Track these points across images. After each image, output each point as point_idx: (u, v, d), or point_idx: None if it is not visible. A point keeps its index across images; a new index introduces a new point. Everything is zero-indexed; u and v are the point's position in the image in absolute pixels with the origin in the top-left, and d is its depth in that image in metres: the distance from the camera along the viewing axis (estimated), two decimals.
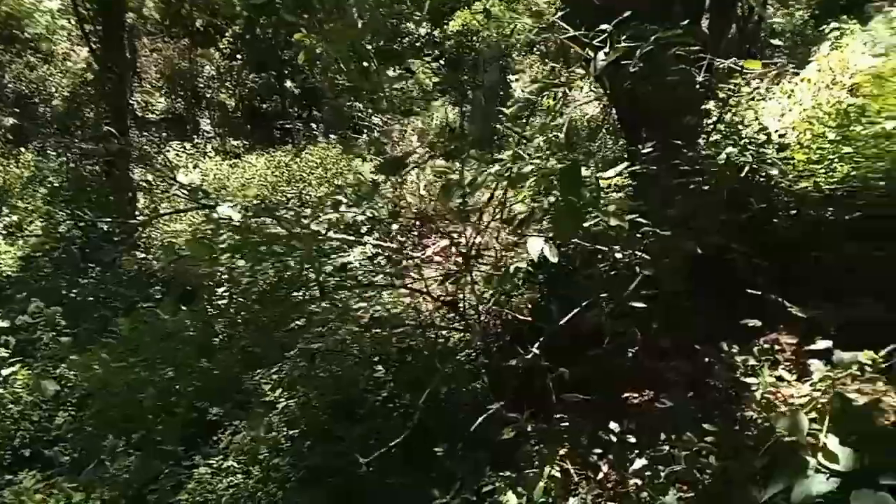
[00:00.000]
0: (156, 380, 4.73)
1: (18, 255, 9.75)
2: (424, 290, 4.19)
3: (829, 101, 6.53)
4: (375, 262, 8.45)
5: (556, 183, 2.26)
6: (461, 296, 3.66)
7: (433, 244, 7.61)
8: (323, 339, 4.28)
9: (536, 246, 2.43)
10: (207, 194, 8.35)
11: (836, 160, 4.45)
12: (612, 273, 3.09)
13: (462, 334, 4.07)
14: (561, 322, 2.94)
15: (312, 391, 4.13)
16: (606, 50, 2.45)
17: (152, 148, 14.92)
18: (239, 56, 19.22)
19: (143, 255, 8.91)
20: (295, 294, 7.16)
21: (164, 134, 15.86)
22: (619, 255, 2.74)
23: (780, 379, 2.86)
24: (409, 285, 4.89)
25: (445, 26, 19.82)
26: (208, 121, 17.31)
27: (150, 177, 12.75)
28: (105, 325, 6.48)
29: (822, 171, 4.29)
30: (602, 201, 2.38)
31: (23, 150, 12.79)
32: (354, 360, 4.23)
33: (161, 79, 17.74)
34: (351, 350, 4.22)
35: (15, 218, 10.97)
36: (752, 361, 2.99)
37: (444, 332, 4.17)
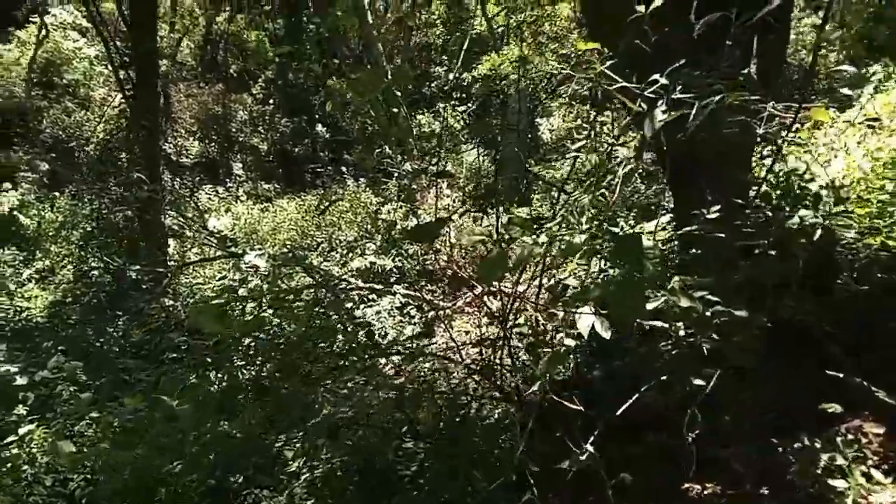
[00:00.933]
0: (171, 447, 4.51)
1: (48, 300, 9.75)
2: (455, 353, 3.93)
3: (880, 147, 6.21)
4: (405, 311, 8.25)
5: (610, 253, 2.02)
6: (497, 362, 3.39)
7: (463, 296, 7.37)
8: (349, 401, 4.02)
9: (587, 322, 2.17)
10: (235, 242, 8.24)
11: None
12: (674, 350, 2.80)
13: (500, 406, 3.78)
14: (619, 409, 2.63)
15: (337, 461, 3.85)
16: (664, 106, 2.22)
17: (184, 192, 15.05)
18: (271, 101, 19.53)
19: (171, 303, 8.81)
20: (322, 346, 6.93)
21: (197, 178, 16.01)
22: (682, 333, 2.47)
23: (869, 478, 2.51)
24: (437, 351, 4.63)
25: (474, 70, 19.94)
26: (240, 164, 17.47)
27: (181, 222, 12.82)
28: (127, 379, 6.33)
29: (886, 226, 3.97)
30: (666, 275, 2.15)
31: (57, 194, 12.96)
32: (382, 427, 3.95)
33: (195, 124, 18.02)
34: (378, 417, 3.95)
35: (47, 262, 11.04)
36: (837, 459, 2.64)
37: (479, 402, 3.89)
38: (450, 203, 9.86)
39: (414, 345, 5.54)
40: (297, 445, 4.39)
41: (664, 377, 2.58)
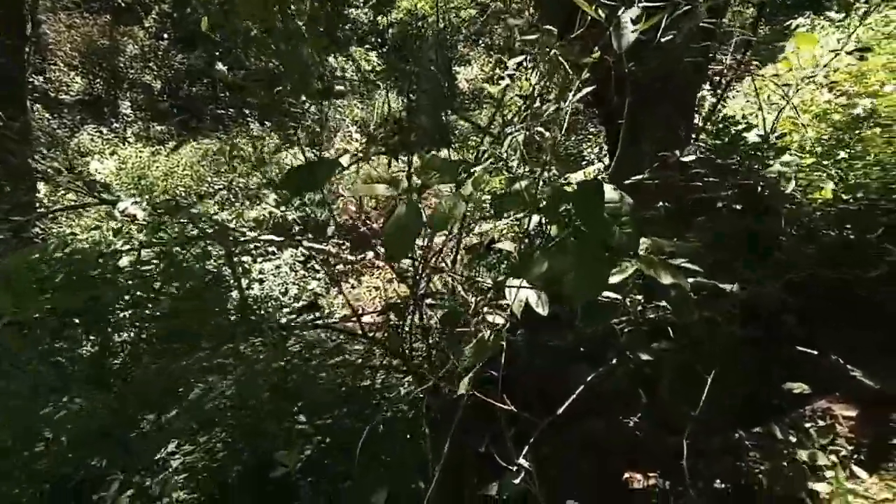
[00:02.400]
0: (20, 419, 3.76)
1: None
2: (355, 321, 3.35)
3: (812, 99, 6.01)
4: (308, 266, 7.59)
5: (575, 208, 1.48)
6: (404, 332, 2.85)
7: (372, 249, 6.79)
8: (232, 374, 3.39)
9: (521, 296, 1.67)
10: (108, 187, 7.26)
11: (845, 166, 3.84)
12: (628, 329, 2.34)
13: (407, 381, 3.25)
14: (557, 405, 2.15)
15: (217, 445, 3.25)
16: (634, 13, 1.67)
17: (63, 131, 13.54)
18: (166, 36, 17.82)
19: (37, 254, 7.74)
20: (213, 307, 6.19)
21: (78, 117, 14.41)
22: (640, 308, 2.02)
23: (849, 475, 2.17)
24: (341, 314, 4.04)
25: (389, 13, 18.97)
26: (129, 104, 15.88)
27: (57, 164, 11.47)
28: None
29: (833, 180, 3.67)
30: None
31: None
32: (270, 403, 3.36)
33: (77, 57, 16.20)
34: (266, 391, 3.35)
35: None
36: (818, 457, 2.28)
37: (383, 376, 3.35)
38: (357, 148, 9.15)
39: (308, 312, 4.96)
40: (175, 422, 3.76)
41: (613, 359, 2.15)
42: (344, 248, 6.87)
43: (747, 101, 7.30)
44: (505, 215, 1.80)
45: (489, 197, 1.69)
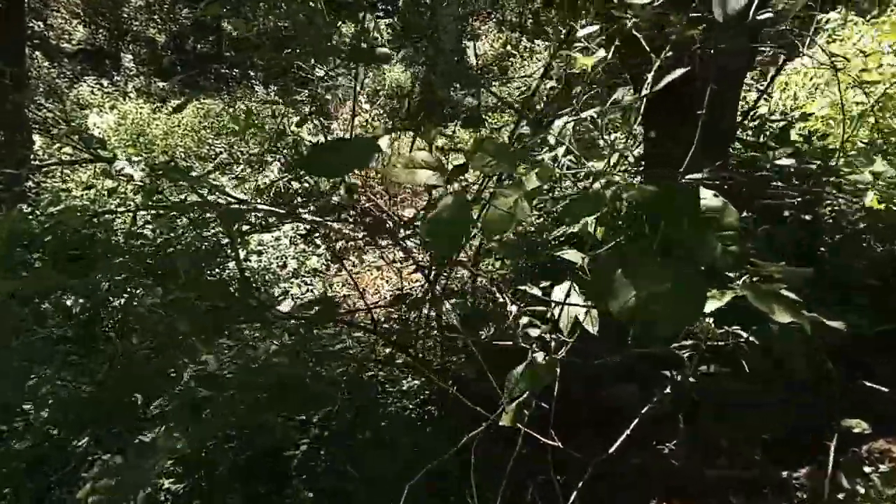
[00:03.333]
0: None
1: None
2: (359, 305, 3.10)
3: (845, 99, 5.75)
4: (308, 240, 7.33)
5: (665, 219, 1.23)
6: (417, 329, 2.62)
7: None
8: (229, 360, 3.17)
9: (572, 312, 1.44)
10: (104, 143, 6.94)
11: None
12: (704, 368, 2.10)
13: (415, 380, 3.02)
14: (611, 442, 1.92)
15: (209, 435, 3.04)
16: None
17: (63, 81, 13.15)
18: None
19: (30, 209, 7.47)
20: (210, 276, 6.00)
21: (78, 67, 14.00)
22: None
23: None
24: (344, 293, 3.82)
25: None
26: (132, 57, 15.44)
27: (54, 115, 11.12)
28: None
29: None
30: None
31: None
32: (267, 393, 3.15)
33: (80, 5, 15.72)
34: (262, 380, 3.12)
35: None
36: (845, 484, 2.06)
37: (389, 372, 3.12)
38: (370, 120, 8.85)
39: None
40: (168, 405, 3.54)
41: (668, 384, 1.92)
42: (348, 225, 6.61)
43: (786, 96, 7.02)
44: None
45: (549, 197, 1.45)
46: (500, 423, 1.56)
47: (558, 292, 1.53)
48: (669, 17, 1.64)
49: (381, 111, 11.64)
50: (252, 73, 15.20)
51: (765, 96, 4.27)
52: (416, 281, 5.48)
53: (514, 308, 1.56)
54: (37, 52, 12.89)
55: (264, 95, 13.79)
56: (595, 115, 1.79)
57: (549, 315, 1.63)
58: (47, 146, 9.28)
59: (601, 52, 1.60)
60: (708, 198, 1.17)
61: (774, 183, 2.52)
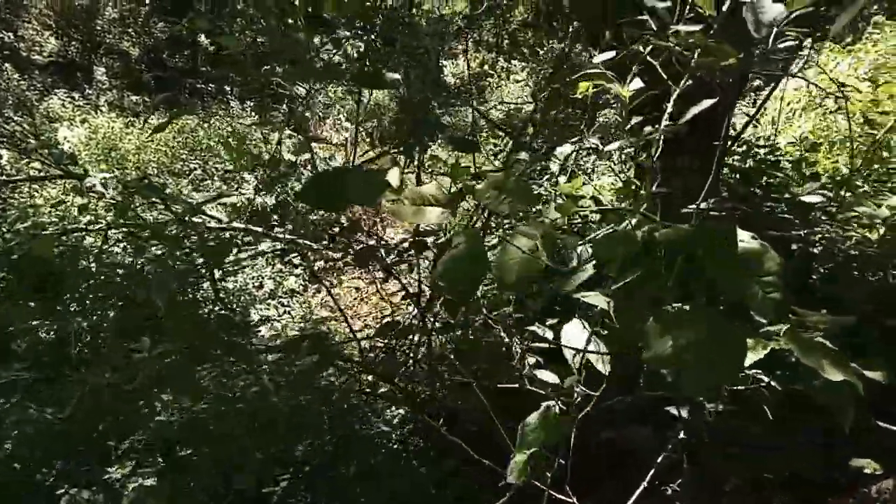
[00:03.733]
0: None
1: None
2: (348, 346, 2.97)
3: (827, 124, 5.80)
4: (286, 259, 7.17)
5: (708, 262, 1.13)
6: (406, 359, 2.50)
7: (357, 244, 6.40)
8: (206, 391, 3.00)
9: (578, 341, 1.33)
10: (75, 159, 6.72)
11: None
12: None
13: (399, 409, 2.88)
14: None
15: (183, 470, 2.86)
16: None
17: (33, 94, 12.85)
18: (148, 0, 17.10)
19: None
20: (182, 298, 5.80)
21: (49, 80, 13.70)
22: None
23: None
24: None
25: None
26: (104, 70, 15.16)
27: (24, 129, 10.84)
28: None
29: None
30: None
31: None
32: (248, 424, 2.99)
33: (52, 16, 15.43)
34: (239, 414, 2.96)
35: None
36: None
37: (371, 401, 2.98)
38: (348, 138, 8.71)
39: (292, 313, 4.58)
40: (139, 438, 3.36)
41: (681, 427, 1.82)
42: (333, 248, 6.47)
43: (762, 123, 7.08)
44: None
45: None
46: (509, 480, 1.45)
47: (569, 332, 1.44)
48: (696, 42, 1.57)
49: (361, 131, 11.55)
50: (228, 89, 15.02)
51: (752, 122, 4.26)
52: (401, 305, 5.36)
53: (518, 346, 1.46)
54: (6, 64, 12.58)
55: (240, 111, 13.62)
56: (602, 145, 1.72)
57: (547, 346, 1.54)
58: (15, 160, 9.01)
59: (637, 82, 1.52)
60: (746, 240, 1.09)
61: (784, 215, 2.48)
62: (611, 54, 1.62)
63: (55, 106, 12.49)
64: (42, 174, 7.21)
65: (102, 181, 4.56)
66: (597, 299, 1.26)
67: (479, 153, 3.24)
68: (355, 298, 6.26)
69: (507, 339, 1.63)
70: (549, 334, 1.42)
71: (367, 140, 12.34)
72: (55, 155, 5.88)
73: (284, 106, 13.32)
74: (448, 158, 9.24)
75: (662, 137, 1.72)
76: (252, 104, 13.30)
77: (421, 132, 2.69)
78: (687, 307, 1.06)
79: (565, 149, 1.71)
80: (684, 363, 1.00)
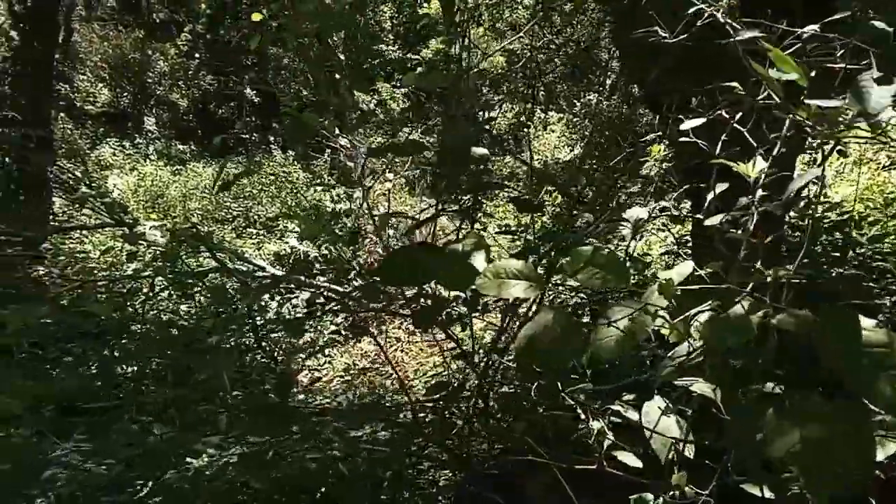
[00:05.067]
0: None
1: None
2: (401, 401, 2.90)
3: (883, 178, 5.66)
4: (326, 308, 7.18)
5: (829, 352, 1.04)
6: (458, 421, 2.41)
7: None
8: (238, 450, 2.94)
9: (666, 427, 1.24)
10: (126, 209, 6.91)
11: None
12: None
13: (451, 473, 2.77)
14: None
15: None
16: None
17: (85, 142, 13.33)
18: (197, 56, 17.79)
19: (45, 271, 7.38)
20: (225, 343, 5.79)
21: (101, 129, 14.22)
22: None
23: None
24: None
25: (420, 52, 18.94)
26: (154, 120, 15.72)
27: (76, 176, 11.20)
28: None
29: None
30: None
31: None
32: (280, 491, 2.91)
33: (106, 69, 16.12)
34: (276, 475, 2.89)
35: None
36: None
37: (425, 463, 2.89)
38: (391, 188, 8.81)
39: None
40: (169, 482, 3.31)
41: None
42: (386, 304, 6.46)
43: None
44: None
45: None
46: None
47: (651, 412, 1.34)
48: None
49: (401, 180, 11.68)
50: (271, 138, 15.40)
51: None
52: (445, 353, 5.29)
53: (595, 423, 1.39)
54: (61, 114, 13.11)
55: (283, 159, 13.90)
56: (673, 209, 1.67)
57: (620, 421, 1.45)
58: (67, 206, 9.28)
59: (761, 162, 1.45)
60: (869, 329, 1.02)
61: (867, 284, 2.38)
62: (700, 121, 1.57)
63: (106, 154, 12.93)
64: (94, 222, 7.40)
65: (153, 229, 4.64)
66: (701, 387, 1.18)
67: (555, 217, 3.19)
68: (395, 349, 6.21)
69: (581, 414, 1.55)
70: (634, 415, 1.33)
71: (407, 188, 12.45)
72: (107, 204, 6.02)
73: (326, 155, 13.60)
74: (495, 211, 9.24)
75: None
76: (294, 153, 13.59)
77: (472, 186, 2.65)
78: (806, 399, 0.98)
79: (637, 212, 1.66)
80: (807, 462, 0.92)
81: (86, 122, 14.20)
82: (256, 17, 3.73)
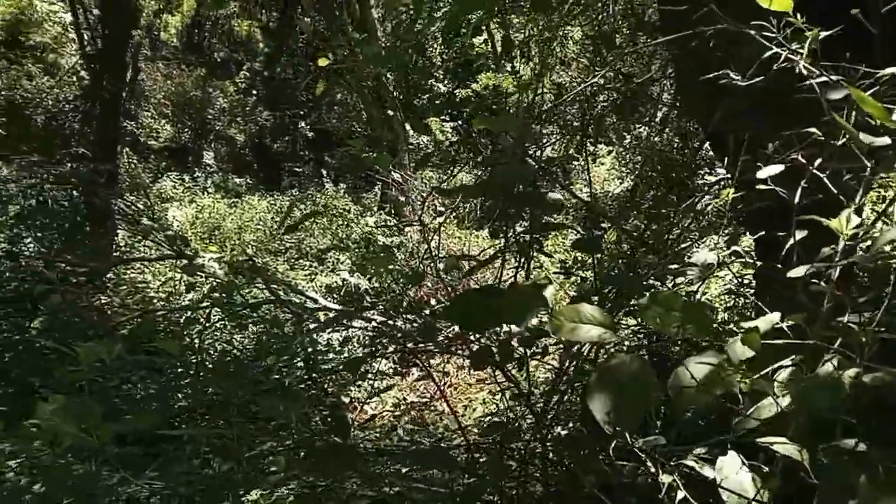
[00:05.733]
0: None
1: None
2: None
3: None
4: (377, 342, 7.21)
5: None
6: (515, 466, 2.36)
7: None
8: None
9: (742, 485, 1.16)
10: (187, 241, 7.07)
11: None
12: None
13: None
14: None
15: None
16: None
17: (146, 176, 13.85)
18: (254, 92, 18.40)
19: (107, 300, 7.64)
20: (278, 375, 5.85)
21: (163, 164, 14.78)
22: None
23: None
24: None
25: (470, 86, 19.11)
26: (213, 154, 16.26)
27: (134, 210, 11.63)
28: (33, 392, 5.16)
29: None
30: None
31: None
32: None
33: (169, 106, 16.82)
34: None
35: None
36: None
37: None
38: (443, 221, 8.85)
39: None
40: None
41: None
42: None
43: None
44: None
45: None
46: None
47: (728, 468, 1.28)
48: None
49: (452, 213, 11.77)
50: (323, 172, 15.73)
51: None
52: (495, 390, 5.23)
53: (665, 476, 1.33)
54: (127, 149, 13.69)
55: (334, 192, 14.16)
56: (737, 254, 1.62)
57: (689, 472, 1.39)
58: (130, 238, 9.61)
59: (855, 217, 1.40)
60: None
61: None
62: (779, 168, 1.54)
63: (167, 187, 13.41)
64: (155, 253, 7.64)
65: (211, 261, 4.76)
66: (786, 448, 1.12)
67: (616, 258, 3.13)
68: (445, 384, 6.17)
69: (651, 468, 1.49)
70: (709, 472, 1.26)
71: (456, 220, 12.50)
72: (168, 237, 6.20)
73: (377, 188, 13.80)
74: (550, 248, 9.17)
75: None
76: (346, 185, 13.84)
77: (535, 227, 2.62)
78: None
79: (705, 255, 1.61)
80: None
81: (149, 157, 14.78)
82: (323, 62, 3.85)
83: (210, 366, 5.51)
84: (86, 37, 9.84)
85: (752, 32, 1.66)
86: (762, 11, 1.53)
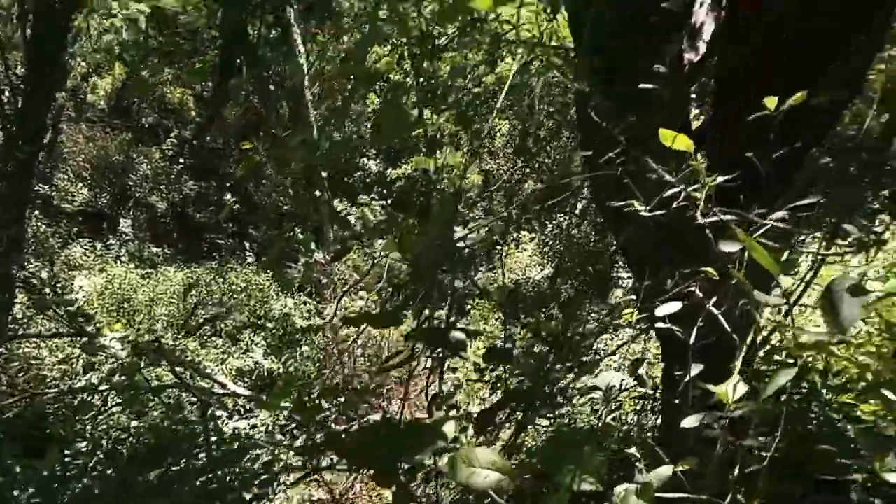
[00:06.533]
0: None
1: None
2: None
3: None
4: (286, 429, 6.92)
5: None
6: None
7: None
8: None
9: None
10: (89, 318, 6.74)
11: None
12: None
13: None
14: None
15: None
16: None
17: (57, 241, 13.21)
18: (181, 161, 18.10)
19: None
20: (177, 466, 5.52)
21: (74, 229, 14.15)
22: None
23: None
24: None
25: (399, 167, 19.47)
26: (130, 222, 15.72)
27: (43, 275, 11.02)
28: None
29: None
30: None
31: None
32: None
33: (88, 169, 16.29)
34: None
35: None
36: None
37: None
38: (363, 307, 8.76)
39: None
40: None
41: None
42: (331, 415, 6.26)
43: None
44: None
45: None
46: None
47: None
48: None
49: (373, 295, 11.69)
50: (246, 244, 15.45)
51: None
52: None
53: None
54: (36, 212, 13.08)
55: (255, 266, 13.87)
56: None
57: None
58: (27, 307, 9.04)
59: (742, 387, 1.45)
60: None
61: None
62: (677, 305, 1.61)
63: (76, 254, 12.80)
64: (54, 330, 7.19)
65: (114, 340, 4.51)
66: None
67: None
68: (356, 479, 5.95)
69: None
70: None
71: (378, 301, 12.40)
72: (70, 313, 5.87)
73: (299, 265, 13.58)
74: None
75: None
76: (267, 262, 13.59)
77: (450, 348, 2.63)
78: None
79: (610, 377, 1.64)
80: None
81: (61, 221, 14.14)
82: (247, 145, 3.83)
83: (101, 456, 5.14)
84: (6, 94, 9.50)
85: (658, 168, 1.77)
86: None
